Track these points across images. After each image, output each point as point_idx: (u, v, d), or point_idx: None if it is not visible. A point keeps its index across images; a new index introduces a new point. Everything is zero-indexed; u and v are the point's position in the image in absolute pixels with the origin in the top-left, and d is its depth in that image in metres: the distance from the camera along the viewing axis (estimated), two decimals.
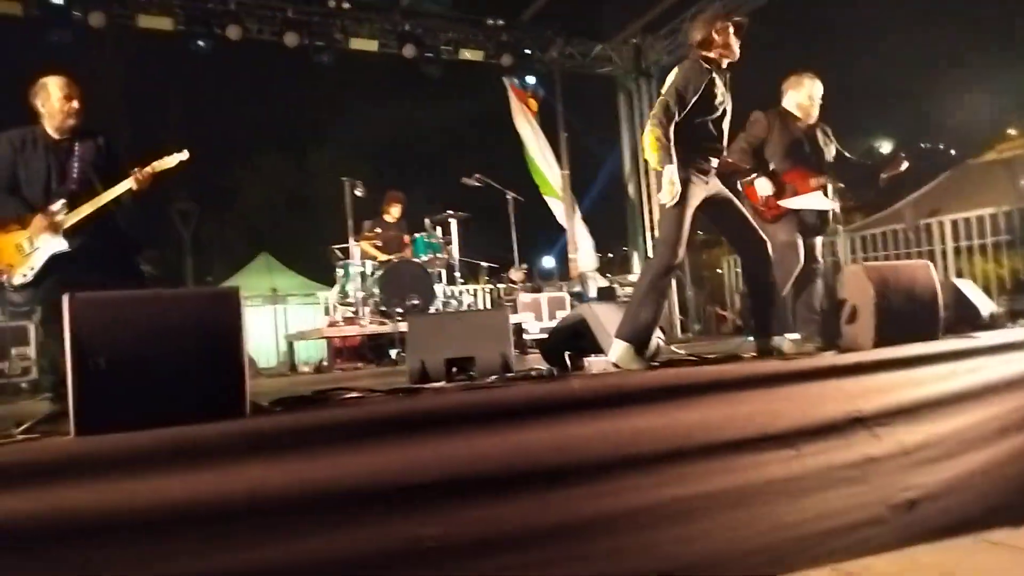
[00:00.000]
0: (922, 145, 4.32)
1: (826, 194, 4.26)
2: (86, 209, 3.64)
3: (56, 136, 3.70)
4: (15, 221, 3.58)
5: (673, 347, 4.16)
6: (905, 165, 4.26)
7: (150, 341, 2.20)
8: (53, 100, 3.66)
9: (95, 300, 2.26)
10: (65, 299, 2.18)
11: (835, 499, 2.43)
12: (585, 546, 2.17)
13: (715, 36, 3.37)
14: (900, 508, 2.49)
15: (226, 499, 2.01)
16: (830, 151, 4.36)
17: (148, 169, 3.78)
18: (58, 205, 3.61)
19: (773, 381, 2.69)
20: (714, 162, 3.40)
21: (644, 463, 2.30)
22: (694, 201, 3.31)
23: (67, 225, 3.61)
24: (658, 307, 3.35)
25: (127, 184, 3.71)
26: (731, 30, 3.39)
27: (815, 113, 4.36)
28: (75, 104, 3.71)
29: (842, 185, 4.34)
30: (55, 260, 3.58)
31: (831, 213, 4.29)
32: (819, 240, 4.36)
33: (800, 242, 4.15)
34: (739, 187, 4.18)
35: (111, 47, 8.59)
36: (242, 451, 2.09)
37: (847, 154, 4.41)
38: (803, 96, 4.33)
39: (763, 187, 4.16)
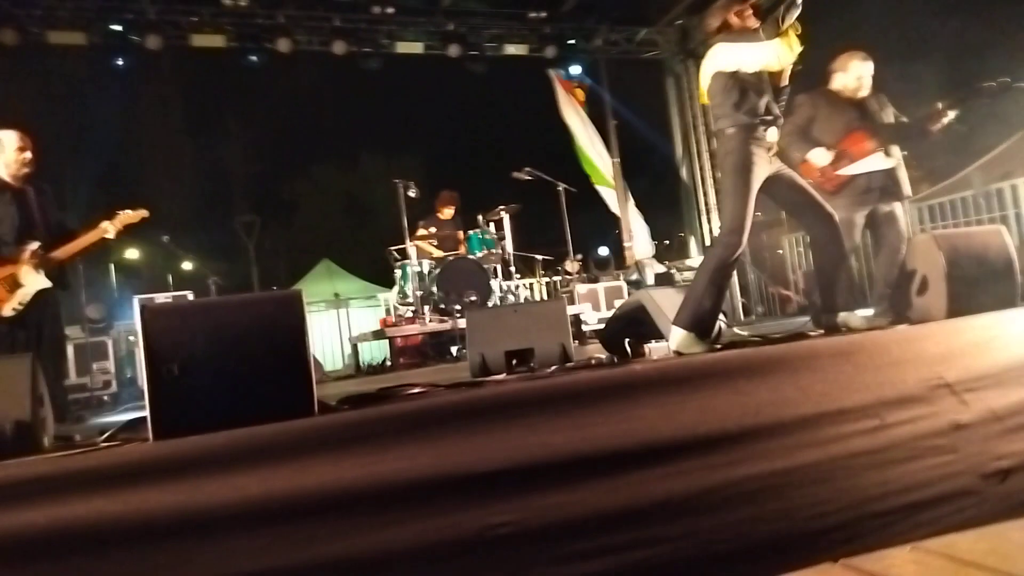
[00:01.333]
0: (968, 89, 4.12)
1: (887, 154, 4.13)
2: (67, 251, 4.13)
3: (14, 184, 4.10)
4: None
5: (736, 329, 4.09)
6: (952, 115, 4.09)
7: (219, 346, 2.27)
8: (9, 152, 4.07)
9: (165, 309, 2.34)
10: (136, 309, 2.28)
11: (922, 470, 2.32)
12: (658, 528, 2.14)
13: (733, 19, 3.32)
14: (993, 478, 2.37)
15: (300, 495, 2.05)
16: (887, 116, 4.24)
17: (118, 221, 4.27)
18: (35, 246, 4.04)
19: (845, 354, 2.61)
20: (772, 135, 3.32)
21: (713, 443, 2.26)
22: (758, 180, 3.24)
23: (49, 266, 4.07)
24: (721, 293, 3.29)
25: (101, 232, 4.22)
26: (749, 12, 3.32)
27: (864, 91, 4.25)
28: (28, 155, 4.13)
29: (900, 150, 4.21)
30: (39, 295, 4.03)
31: (900, 176, 4.16)
32: (899, 208, 4.21)
33: (859, 221, 4.09)
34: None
35: (168, 68, 8.85)
36: (314, 448, 2.14)
37: (903, 118, 4.27)
38: (851, 78, 4.24)
39: (818, 157, 4.07)
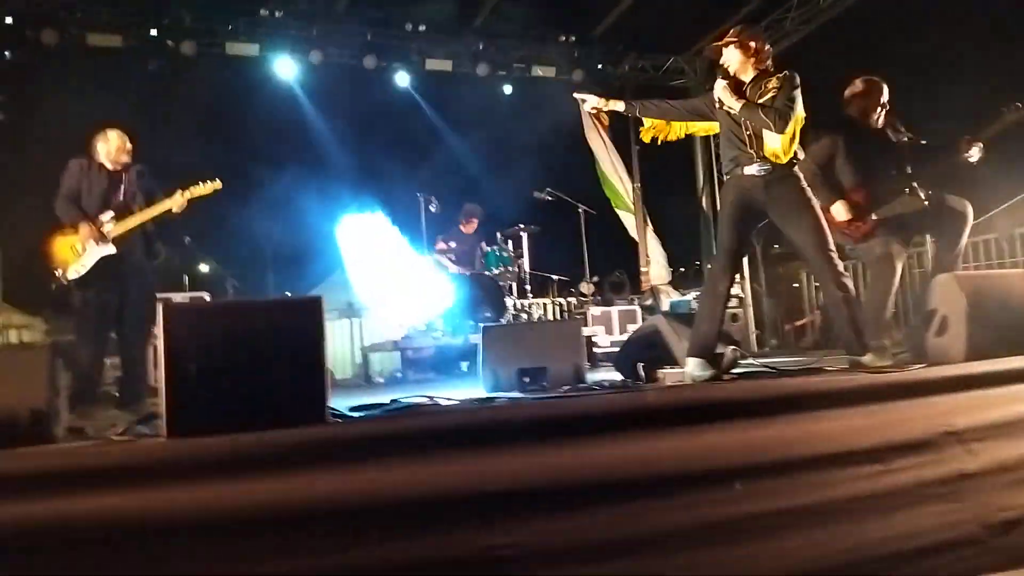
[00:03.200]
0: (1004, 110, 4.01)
1: (914, 193, 4.05)
2: (131, 222, 4.46)
3: (110, 167, 4.55)
4: (73, 227, 4.38)
5: (751, 359, 4.07)
6: (979, 147, 4.00)
7: (237, 348, 2.29)
8: (112, 144, 4.54)
9: (188, 308, 2.37)
10: (160, 308, 2.30)
11: (925, 516, 2.31)
12: (657, 561, 2.13)
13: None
14: (996, 528, 2.35)
15: (308, 505, 2.05)
16: (903, 139, 4.18)
17: (187, 193, 4.58)
18: (107, 216, 4.41)
19: (856, 397, 2.60)
20: (748, 168, 3.42)
21: (718, 478, 2.25)
22: (728, 207, 3.51)
23: (115, 234, 4.41)
24: (713, 314, 3.38)
25: (168, 205, 4.52)
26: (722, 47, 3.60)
27: (882, 117, 4.19)
28: (128, 146, 4.59)
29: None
30: (104, 261, 4.37)
31: (928, 208, 4.08)
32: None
33: (898, 251, 4.00)
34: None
35: (200, 74, 8.99)
36: (324, 458, 2.14)
37: (922, 141, 4.19)
38: (869, 102, 4.18)
39: (839, 213, 3.99)
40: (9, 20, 7.94)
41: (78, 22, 8.23)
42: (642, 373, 3.58)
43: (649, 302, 9.34)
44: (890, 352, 3.46)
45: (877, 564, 2.23)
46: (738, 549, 2.17)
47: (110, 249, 4.40)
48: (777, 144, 3.35)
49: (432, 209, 7.36)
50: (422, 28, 9.37)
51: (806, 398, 2.56)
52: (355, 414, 2.68)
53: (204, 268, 10.09)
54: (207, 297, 7.47)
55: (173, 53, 8.51)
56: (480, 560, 2.03)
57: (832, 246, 3.38)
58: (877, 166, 4.10)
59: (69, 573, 1.89)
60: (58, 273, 4.37)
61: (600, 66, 10.43)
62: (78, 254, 4.39)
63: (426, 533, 2.07)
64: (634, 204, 10.84)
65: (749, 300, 9.89)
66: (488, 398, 3.21)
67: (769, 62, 3.56)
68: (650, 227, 10.92)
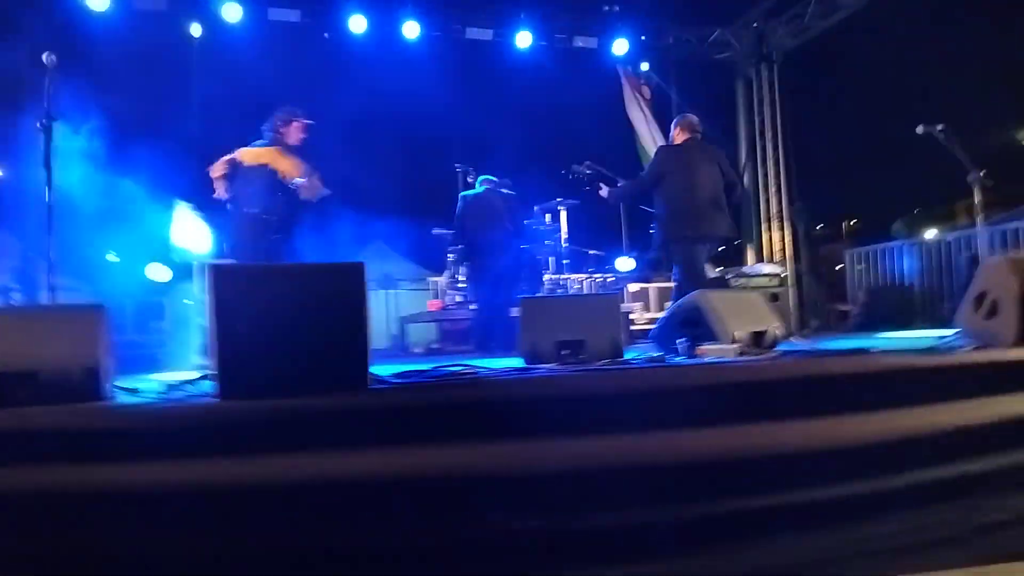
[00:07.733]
0: None
1: None
2: None
3: None
4: None
5: (793, 338, 4.02)
6: None
7: (282, 311, 2.31)
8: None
9: (233, 271, 2.40)
10: (207, 268, 2.34)
11: (920, 515, 2.29)
12: (676, 550, 2.12)
13: None
14: (985, 529, 2.29)
15: (348, 479, 2.07)
16: None
17: None
18: None
19: (888, 381, 2.58)
20: None
21: (732, 470, 2.25)
22: None
23: None
24: None
25: None
26: None
27: None
28: None
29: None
30: None
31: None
32: None
33: None
34: None
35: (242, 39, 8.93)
36: (365, 432, 2.17)
37: None
38: None
39: None
40: None
41: None
42: (680, 348, 3.55)
43: None
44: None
45: (860, 560, 2.19)
46: (737, 548, 2.16)
47: None
48: None
49: (470, 180, 7.35)
50: None
51: (846, 381, 2.53)
52: (397, 380, 2.70)
53: None
54: None
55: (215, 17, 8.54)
56: (506, 541, 2.04)
57: None
58: None
59: (115, 532, 1.94)
60: None
61: (643, 37, 10.25)
62: None
63: (456, 512, 2.07)
64: None
65: (791, 280, 9.72)
66: (526, 369, 3.21)
67: None
68: None
